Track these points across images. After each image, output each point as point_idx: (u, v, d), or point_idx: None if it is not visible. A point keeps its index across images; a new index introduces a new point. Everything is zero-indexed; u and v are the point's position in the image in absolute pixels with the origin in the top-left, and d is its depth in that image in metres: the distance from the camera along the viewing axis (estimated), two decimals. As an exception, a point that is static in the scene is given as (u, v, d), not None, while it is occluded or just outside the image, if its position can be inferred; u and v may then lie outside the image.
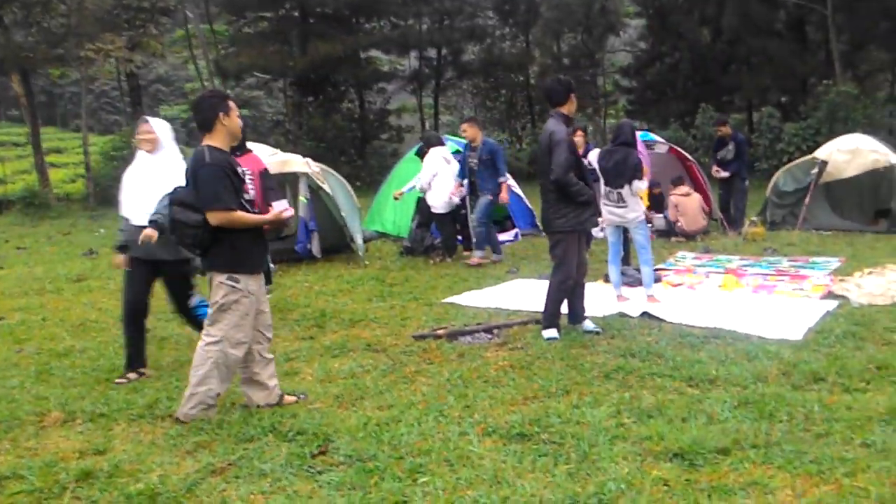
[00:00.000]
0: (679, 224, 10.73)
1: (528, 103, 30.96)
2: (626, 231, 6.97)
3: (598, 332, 5.60)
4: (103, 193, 19.77)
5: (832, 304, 6.23)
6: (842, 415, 3.72)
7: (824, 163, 10.73)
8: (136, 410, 4.39)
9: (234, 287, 4.05)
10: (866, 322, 5.60)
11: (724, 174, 11.11)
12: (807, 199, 10.59)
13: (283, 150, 25.00)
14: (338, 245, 9.97)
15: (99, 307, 7.56)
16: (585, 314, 5.80)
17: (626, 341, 5.38)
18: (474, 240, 9.49)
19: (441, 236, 9.70)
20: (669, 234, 10.93)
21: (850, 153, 10.68)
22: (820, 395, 4.09)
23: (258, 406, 4.24)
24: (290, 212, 4.37)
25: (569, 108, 5.62)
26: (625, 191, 6.51)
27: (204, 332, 4.15)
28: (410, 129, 29.85)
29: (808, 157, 11.43)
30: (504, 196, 9.37)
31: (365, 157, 24.60)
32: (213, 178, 3.96)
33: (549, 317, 5.63)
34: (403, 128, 29.66)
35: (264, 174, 5.90)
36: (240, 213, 4.03)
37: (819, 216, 11.12)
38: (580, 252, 5.65)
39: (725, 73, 23.99)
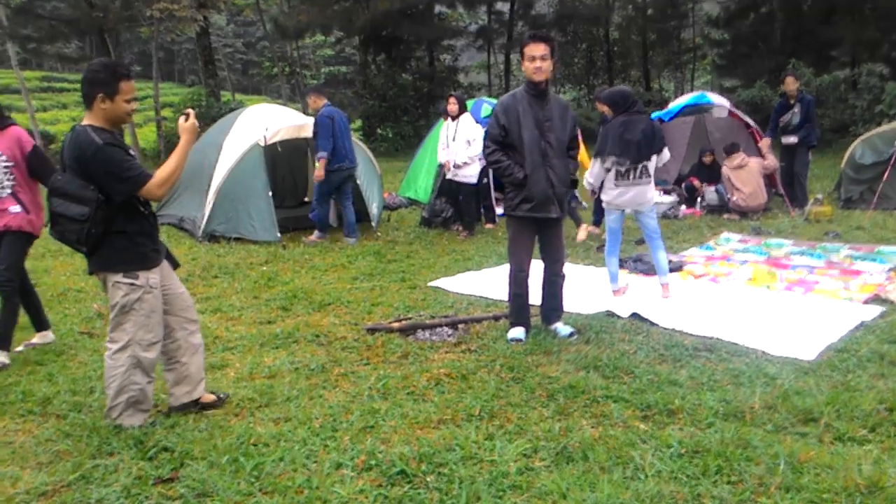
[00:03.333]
0: (734, 199, 9.59)
1: (608, 58, 29.32)
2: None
3: (572, 335, 4.85)
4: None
5: (873, 313, 5.21)
6: (808, 482, 2.89)
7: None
8: (29, 405, 4.03)
9: (133, 285, 3.56)
10: (906, 339, 4.61)
11: (793, 139, 9.69)
12: (886, 174, 9.20)
13: (346, 109, 24.81)
14: (357, 213, 9.46)
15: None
16: (561, 313, 5.05)
17: (600, 349, 4.62)
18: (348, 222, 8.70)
19: (466, 210, 8.96)
20: (722, 210, 9.83)
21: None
22: (800, 444, 3.25)
23: (171, 407, 3.81)
24: None
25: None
26: (651, 163, 5.63)
27: (107, 339, 3.68)
28: (482, 86, 28.89)
29: (892, 125, 9.95)
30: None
31: (429, 116, 23.85)
32: (120, 158, 3.45)
33: (512, 314, 4.93)
34: (475, 85, 28.75)
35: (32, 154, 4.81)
36: (169, 164, 3.53)
37: (904, 194, 9.72)
38: (529, 241, 4.86)
39: (826, 24, 21.69)
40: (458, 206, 9.14)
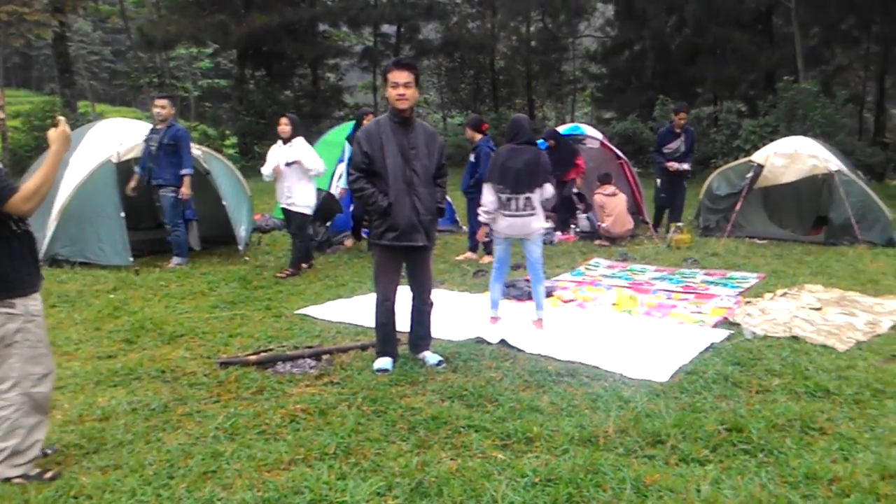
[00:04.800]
0: (604, 226, 10.02)
1: (493, 86, 30.15)
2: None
3: (440, 364, 4.85)
4: (21, 164, 18.66)
5: (721, 336, 5.52)
6: (650, 506, 2.99)
7: (760, 166, 10.04)
8: None
9: (10, 314, 3.22)
10: (749, 361, 4.90)
11: (686, 166, 10.27)
12: (738, 205, 9.89)
13: (220, 125, 23.93)
14: (225, 236, 9.14)
15: None
16: (429, 341, 5.04)
17: (466, 377, 4.63)
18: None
19: (298, 245, 8.04)
20: (594, 237, 10.24)
21: (787, 157, 9.99)
22: (647, 467, 3.36)
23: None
24: None
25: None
26: (535, 196, 5.69)
27: None
28: (367, 106, 28.93)
29: (744, 159, 10.75)
30: (185, 191, 8.14)
31: (311, 136, 23.56)
32: None
33: (379, 344, 4.87)
34: (360, 106, 28.74)
35: None
36: (37, 176, 3.19)
37: (755, 223, 10.49)
38: (395, 270, 4.84)
39: (691, 64, 23.30)
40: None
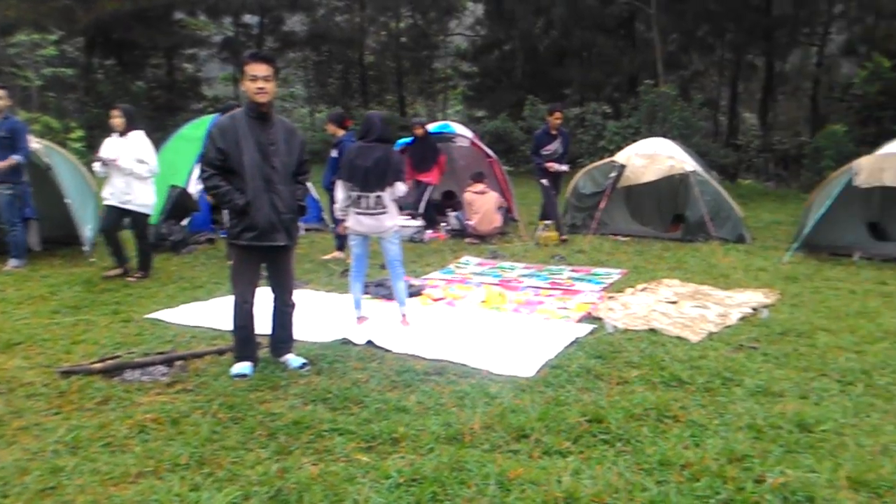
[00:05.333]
0: (471, 224, 10.21)
1: (363, 82, 30.00)
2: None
3: (304, 367, 4.76)
4: None
5: (585, 330, 5.76)
6: (514, 499, 3.06)
7: (622, 166, 10.57)
8: None
9: None
10: (611, 354, 5.14)
11: (565, 168, 10.41)
12: (602, 204, 10.37)
13: (64, 117, 22.43)
14: (69, 236, 8.55)
15: None
16: (291, 344, 4.93)
17: (331, 379, 4.57)
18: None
19: (141, 245, 7.64)
20: (464, 235, 10.41)
21: (647, 158, 10.57)
22: (511, 461, 3.44)
23: None
24: None
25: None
26: (386, 194, 5.70)
27: None
28: (229, 99, 28.02)
29: (608, 159, 11.29)
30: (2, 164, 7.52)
31: (166, 129, 22.54)
32: None
33: (237, 348, 4.72)
34: (220, 98, 27.80)
35: None
36: None
37: (618, 221, 11.04)
38: (253, 271, 4.72)
39: (559, 66, 24.20)
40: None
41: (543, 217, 10.51)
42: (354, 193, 5.65)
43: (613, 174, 10.54)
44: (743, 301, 6.82)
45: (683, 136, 16.45)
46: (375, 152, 5.64)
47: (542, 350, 5.18)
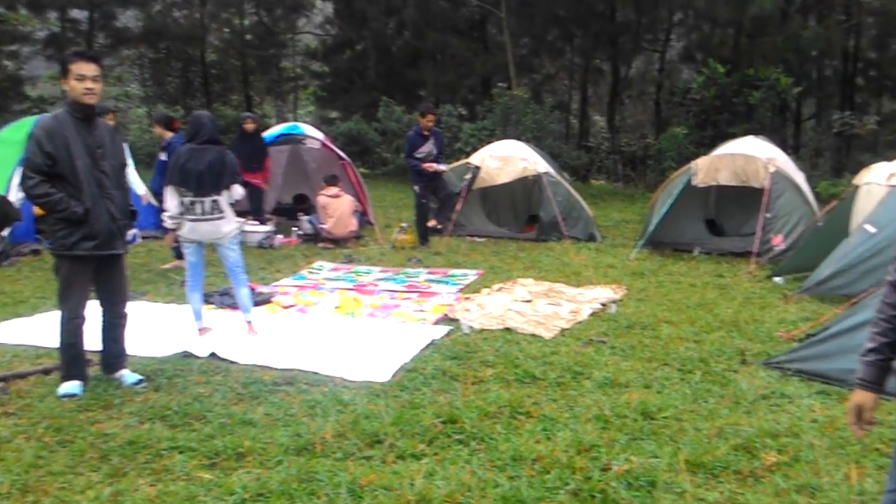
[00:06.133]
0: (325, 227, 10.11)
1: (205, 81, 28.96)
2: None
3: (139, 383, 4.54)
4: None
5: (441, 332, 5.87)
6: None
7: (477, 168, 10.85)
8: None
9: None
10: (466, 354, 5.27)
11: (443, 167, 10.22)
12: (459, 205, 10.60)
13: None
14: None
15: None
16: (125, 359, 4.69)
17: (171, 395, 4.39)
18: None
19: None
20: (317, 239, 10.29)
21: (501, 160, 10.91)
22: (364, 468, 3.45)
23: None
24: None
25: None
26: (223, 198, 5.54)
27: None
28: (55, 100, 26.19)
29: (464, 161, 11.56)
30: None
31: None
32: None
33: (64, 366, 4.44)
34: (46, 98, 25.93)
35: None
36: None
37: (475, 222, 11.31)
38: (86, 283, 4.50)
39: (413, 67, 24.44)
40: None
41: (443, 216, 10.39)
42: (187, 199, 5.46)
43: (469, 176, 10.79)
44: (593, 297, 7.19)
45: (537, 139, 17.09)
46: (208, 154, 5.49)
47: (398, 354, 5.22)
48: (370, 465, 3.50)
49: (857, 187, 8.03)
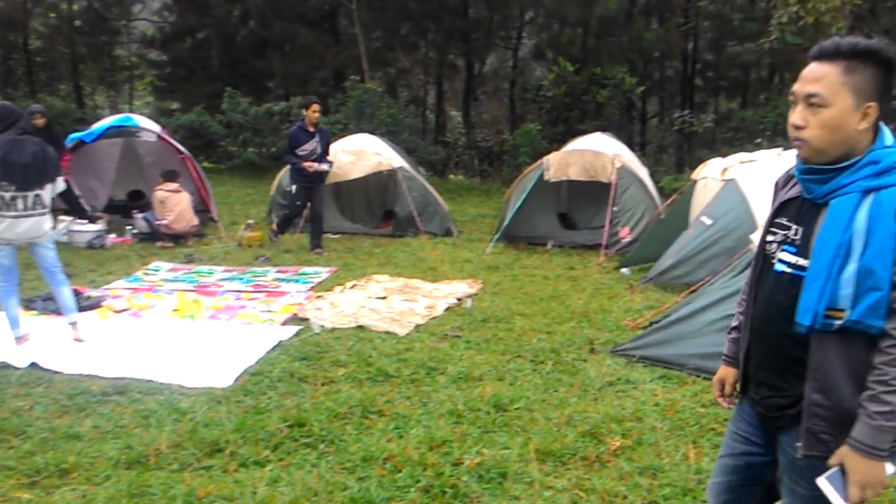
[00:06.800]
0: (164, 223, 9.62)
1: (28, 69, 26.94)
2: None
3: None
4: None
5: (290, 333, 5.72)
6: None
7: (330, 163, 10.69)
8: None
9: None
10: (316, 355, 5.17)
11: (325, 167, 9.54)
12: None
13: None
14: None
15: None
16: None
17: (-19, 412, 4.01)
18: None
19: None
20: (154, 238, 9.77)
21: (354, 154, 10.82)
22: (203, 479, 3.29)
23: None
24: None
25: None
26: (45, 192, 5.20)
27: None
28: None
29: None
30: None
31: None
32: None
33: None
34: None
35: None
36: None
37: (328, 219, 11.10)
38: None
39: (260, 57, 23.81)
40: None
41: (317, 230, 9.57)
42: (8, 194, 5.07)
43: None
44: (449, 292, 7.27)
45: (392, 133, 17.12)
46: (29, 146, 5.18)
47: (241, 357, 5.04)
48: (209, 476, 3.35)
49: (694, 182, 8.60)
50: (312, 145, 9.38)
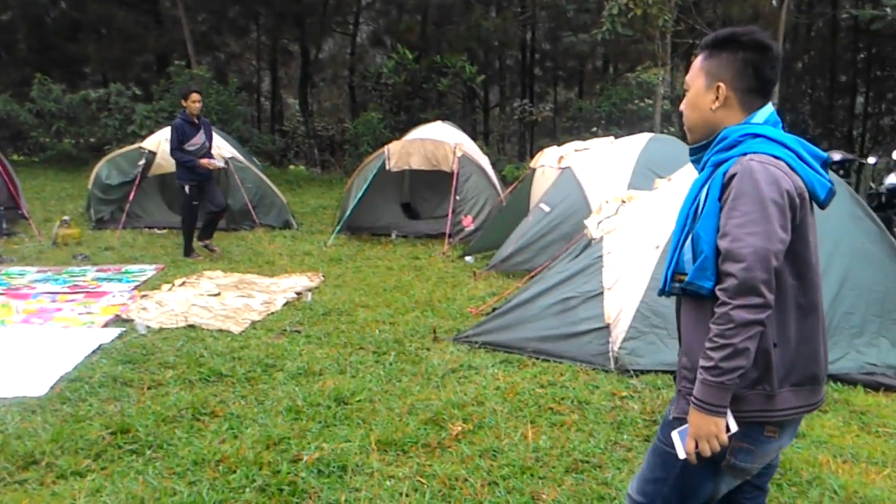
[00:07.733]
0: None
1: None
2: None
3: None
4: None
5: (112, 335, 5.46)
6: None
7: (153, 153, 10.26)
8: None
9: None
10: (142, 357, 4.96)
11: (221, 164, 8.94)
12: (132, 194, 9.96)
13: None
14: None
15: None
16: None
17: None
18: None
19: None
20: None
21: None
22: (19, 493, 3.10)
23: None
24: None
25: None
26: None
27: None
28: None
29: (136, 145, 10.88)
30: None
31: None
32: None
33: None
34: None
35: None
36: None
37: (153, 213, 10.70)
38: None
39: (74, 41, 22.38)
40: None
41: (205, 233, 8.84)
42: None
43: (143, 162, 10.18)
44: (288, 286, 7.19)
45: (223, 122, 16.63)
46: None
47: (58, 363, 4.76)
48: (24, 490, 3.16)
49: (533, 170, 8.96)
50: (201, 139, 8.72)
